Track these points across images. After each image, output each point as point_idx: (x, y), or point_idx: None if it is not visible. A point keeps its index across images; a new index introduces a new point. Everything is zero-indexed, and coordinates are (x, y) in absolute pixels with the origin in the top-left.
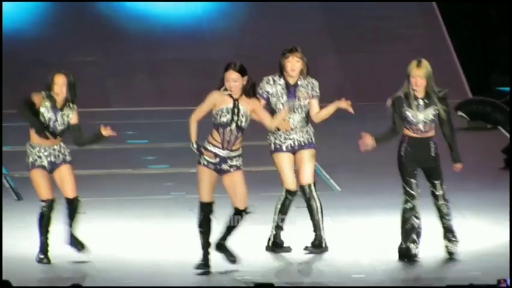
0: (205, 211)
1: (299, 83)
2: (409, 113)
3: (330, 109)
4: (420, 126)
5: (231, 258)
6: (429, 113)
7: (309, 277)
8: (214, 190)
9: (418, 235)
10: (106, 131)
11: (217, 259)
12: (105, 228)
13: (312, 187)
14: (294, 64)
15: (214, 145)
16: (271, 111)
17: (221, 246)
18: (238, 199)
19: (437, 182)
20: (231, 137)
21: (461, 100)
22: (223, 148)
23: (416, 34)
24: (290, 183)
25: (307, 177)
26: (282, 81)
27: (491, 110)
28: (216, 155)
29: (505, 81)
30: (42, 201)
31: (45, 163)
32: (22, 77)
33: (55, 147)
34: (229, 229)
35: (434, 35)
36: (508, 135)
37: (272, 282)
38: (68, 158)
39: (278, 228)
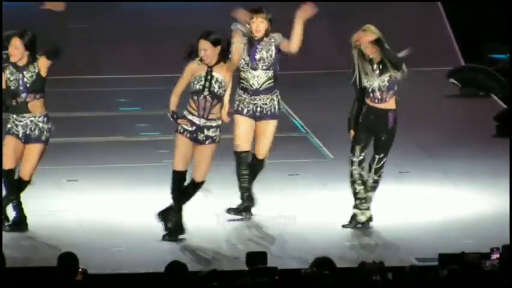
0: (178, 179)
1: (264, 39)
2: (365, 80)
3: (296, 28)
4: (377, 94)
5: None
6: (385, 79)
7: (300, 245)
8: (190, 159)
9: (360, 201)
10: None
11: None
12: (97, 196)
13: (265, 161)
14: (258, 25)
15: (191, 113)
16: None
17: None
18: (198, 172)
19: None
20: (205, 104)
21: (453, 67)
22: (199, 116)
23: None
24: (238, 146)
25: (263, 151)
26: (245, 40)
27: (484, 77)
28: (192, 123)
29: (498, 48)
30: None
31: (20, 133)
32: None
33: (32, 118)
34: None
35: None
36: (500, 102)
37: (265, 250)
38: (44, 135)
39: (242, 189)
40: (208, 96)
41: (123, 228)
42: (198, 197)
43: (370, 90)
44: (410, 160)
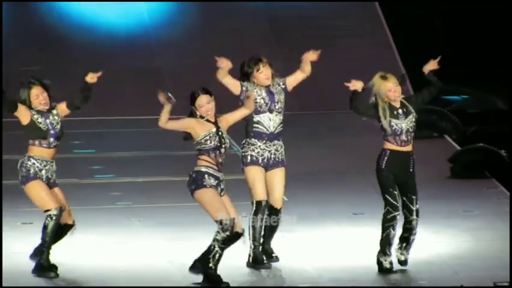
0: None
1: (270, 84)
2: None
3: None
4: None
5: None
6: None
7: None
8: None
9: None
10: (90, 77)
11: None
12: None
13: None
14: (267, 73)
15: (212, 168)
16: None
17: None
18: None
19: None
20: (221, 159)
21: None
22: (219, 170)
23: (361, 43)
24: (261, 196)
25: (279, 200)
26: (260, 90)
27: (437, 118)
28: (215, 178)
29: (451, 90)
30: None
31: (44, 178)
32: None
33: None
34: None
35: (379, 41)
36: (454, 143)
37: None
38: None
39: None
40: (223, 152)
41: (79, 268)
42: None
43: (399, 133)
44: (365, 202)
